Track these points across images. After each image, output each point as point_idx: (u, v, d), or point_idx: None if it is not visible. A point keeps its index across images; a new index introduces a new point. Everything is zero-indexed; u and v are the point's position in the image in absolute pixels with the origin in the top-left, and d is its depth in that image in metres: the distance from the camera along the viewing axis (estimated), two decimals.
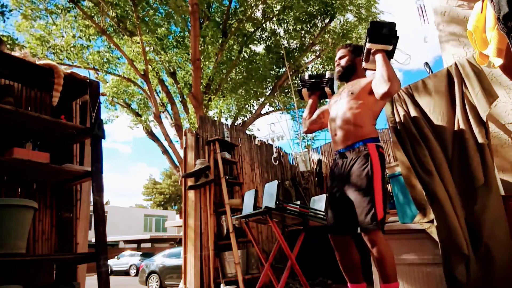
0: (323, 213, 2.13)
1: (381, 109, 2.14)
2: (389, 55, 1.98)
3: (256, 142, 5.44)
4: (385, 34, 1.95)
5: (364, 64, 2.12)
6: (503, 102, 2.43)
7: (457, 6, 2.74)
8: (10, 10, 7.26)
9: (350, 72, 2.24)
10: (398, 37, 1.97)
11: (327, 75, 2.43)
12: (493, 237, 2.00)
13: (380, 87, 1.89)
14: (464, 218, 2.14)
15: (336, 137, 2.14)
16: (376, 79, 1.93)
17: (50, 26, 8.11)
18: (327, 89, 2.41)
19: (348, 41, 9.76)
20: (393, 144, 2.57)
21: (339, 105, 2.17)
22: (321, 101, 2.68)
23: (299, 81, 2.57)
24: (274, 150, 5.77)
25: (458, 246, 2.01)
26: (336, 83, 2.40)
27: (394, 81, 1.85)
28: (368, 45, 1.98)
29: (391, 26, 1.97)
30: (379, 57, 1.95)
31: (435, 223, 2.17)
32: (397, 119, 2.55)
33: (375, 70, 2.07)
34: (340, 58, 2.28)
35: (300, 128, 11.41)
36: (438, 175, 2.20)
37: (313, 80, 2.47)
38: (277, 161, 5.70)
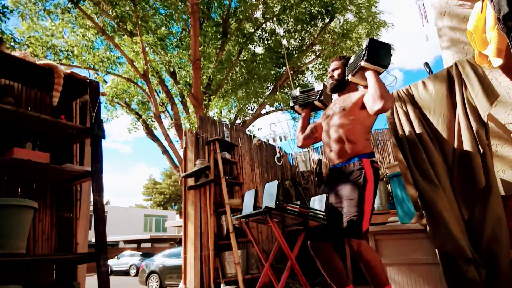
0: (323, 213, 2.14)
1: (373, 123, 2.16)
2: (378, 72, 2.01)
3: (255, 142, 5.44)
4: (382, 56, 1.97)
5: (350, 77, 2.13)
6: (503, 102, 2.43)
7: (457, 6, 2.74)
8: (11, 11, 7.25)
9: (343, 85, 2.27)
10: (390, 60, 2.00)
11: (316, 88, 2.47)
12: (494, 238, 2.00)
13: (374, 105, 1.91)
14: (465, 221, 2.13)
15: (331, 153, 2.17)
16: (370, 96, 1.94)
17: (50, 26, 8.11)
18: (317, 103, 2.45)
19: (348, 41, 9.77)
20: (392, 144, 2.58)
21: (332, 121, 2.19)
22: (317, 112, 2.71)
23: (291, 98, 2.62)
24: (277, 150, 5.77)
25: (462, 251, 2.01)
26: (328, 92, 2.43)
27: (387, 98, 1.88)
28: (362, 63, 1.98)
29: (388, 49, 1.98)
30: (371, 75, 1.97)
31: (428, 228, 2.18)
32: (397, 120, 2.55)
33: (360, 84, 2.12)
34: (334, 70, 2.32)
35: None
36: (437, 181, 2.20)
37: (304, 95, 2.52)
38: (281, 161, 5.70)
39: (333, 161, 2.17)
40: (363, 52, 1.98)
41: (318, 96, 2.43)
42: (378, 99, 1.89)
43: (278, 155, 5.64)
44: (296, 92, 2.58)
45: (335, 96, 2.42)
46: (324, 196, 2.18)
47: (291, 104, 2.59)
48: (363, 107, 2.07)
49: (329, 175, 2.23)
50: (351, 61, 2.16)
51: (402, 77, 64.45)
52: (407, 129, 2.45)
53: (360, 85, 2.17)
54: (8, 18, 7.13)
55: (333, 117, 2.19)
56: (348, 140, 2.07)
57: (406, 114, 2.50)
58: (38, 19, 7.97)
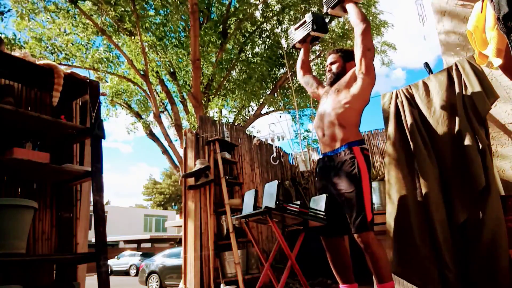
0: (323, 213, 2.14)
1: (365, 104, 2.18)
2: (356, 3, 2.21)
3: (255, 142, 5.44)
4: None
5: (329, 10, 2.30)
6: (503, 102, 2.43)
7: (457, 6, 2.74)
8: (9, 10, 7.24)
9: (341, 78, 2.30)
10: None
11: (306, 19, 2.50)
12: (493, 238, 2.00)
13: (358, 27, 2.08)
14: (456, 223, 2.14)
15: (323, 139, 2.20)
16: (353, 22, 2.13)
17: (49, 24, 8.10)
18: (313, 33, 2.49)
19: (349, 41, 9.78)
20: (388, 142, 2.59)
21: (326, 104, 2.23)
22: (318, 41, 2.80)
23: (288, 37, 2.70)
24: (274, 149, 5.77)
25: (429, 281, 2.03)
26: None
27: (368, 20, 2.10)
28: None
29: None
30: (351, 5, 2.18)
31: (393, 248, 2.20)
32: (392, 130, 2.55)
33: (339, 16, 2.35)
34: (332, 63, 2.35)
35: (301, 128, 11.40)
36: (412, 184, 2.22)
37: (299, 30, 2.57)
38: (277, 161, 5.70)
39: (325, 147, 2.20)
40: None
41: (311, 27, 2.46)
42: (361, 22, 2.07)
43: (274, 154, 5.63)
44: (292, 30, 2.64)
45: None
46: (324, 196, 2.18)
47: (290, 43, 2.65)
48: (355, 81, 2.13)
49: (321, 164, 2.24)
50: None
51: (404, 76, 64.49)
52: (397, 129, 2.45)
53: (338, 16, 2.36)
54: (6, 17, 7.13)
55: (327, 100, 2.24)
56: (339, 124, 2.10)
57: (404, 115, 2.49)
58: (36, 18, 7.95)
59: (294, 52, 9.98)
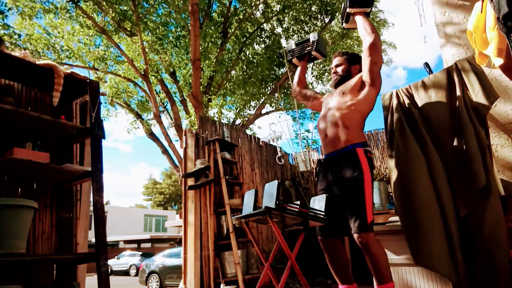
0: (323, 213, 2.14)
1: (369, 110, 2.19)
2: (367, 14, 2.20)
3: (261, 143, 5.47)
4: None
5: (344, 25, 2.34)
6: (503, 102, 2.43)
7: (457, 6, 2.74)
8: (9, 9, 7.24)
9: (346, 80, 2.30)
10: None
11: (311, 38, 2.52)
12: (493, 238, 2.00)
13: (366, 41, 2.06)
14: (459, 222, 2.13)
15: (326, 139, 2.19)
16: (361, 35, 2.13)
17: (48, 26, 8.10)
18: (314, 53, 2.52)
19: (349, 40, 9.78)
20: (387, 144, 2.58)
21: (330, 105, 2.23)
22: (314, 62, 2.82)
23: (287, 51, 2.68)
24: (278, 149, 5.77)
25: (444, 269, 2.03)
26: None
27: (376, 33, 2.07)
28: (348, 10, 2.18)
29: None
30: (359, 18, 2.17)
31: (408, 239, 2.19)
32: (391, 122, 2.54)
33: (355, 28, 2.29)
34: (337, 66, 2.36)
35: (301, 128, 11.41)
36: (424, 185, 2.21)
37: (300, 47, 2.58)
38: (282, 161, 5.70)
39: (327, 148, 2.19)
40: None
41: (314, 46, 2.48)
42: (368, 34, 2.05)
43: (279, 154, 5.64)
44: (292, 45, 2.63)
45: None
46: (324, 196, 2.18)
47: (288, 58, 2.64)
48: (361, 88, 2.13)
49: (323, 165, 2.24)
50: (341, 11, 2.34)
51: (405, 75, 64.54)
52: (399, 131, 2.44)
53: (354, 28, 2.34)
54: (7, 16, 7.13)
55: (332, 101, 2.24)
56: (343, 125, 2.10)
57: (404, 115, 2.49)
58: (36, 17, 7.95)
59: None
